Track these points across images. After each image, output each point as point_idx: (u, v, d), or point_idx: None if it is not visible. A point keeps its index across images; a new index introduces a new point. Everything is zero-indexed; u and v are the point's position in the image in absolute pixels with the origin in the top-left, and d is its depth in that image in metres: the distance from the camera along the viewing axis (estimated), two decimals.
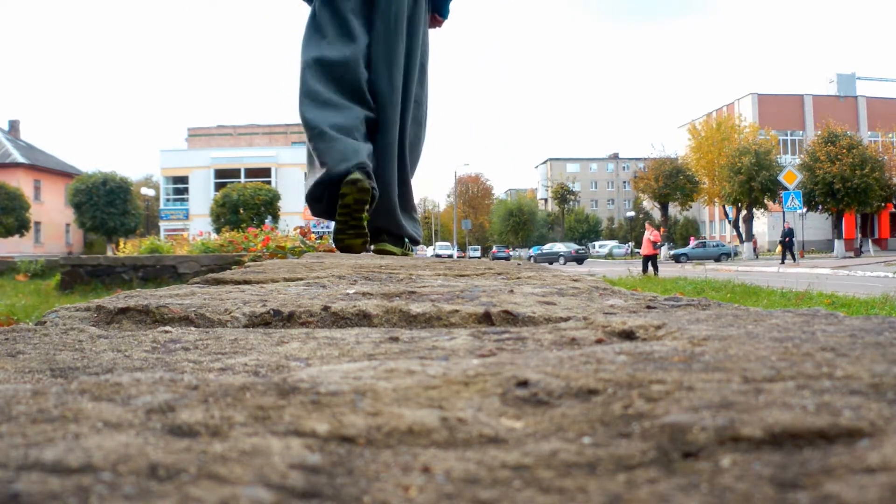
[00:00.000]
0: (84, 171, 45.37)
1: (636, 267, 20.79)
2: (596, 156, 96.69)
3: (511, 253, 57.97)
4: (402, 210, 3.69)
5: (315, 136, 3.25)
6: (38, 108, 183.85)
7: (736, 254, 42.48)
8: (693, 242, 47.24)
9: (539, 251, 50.73)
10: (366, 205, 3.20)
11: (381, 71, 3.42)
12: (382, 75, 3.42)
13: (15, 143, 49.55)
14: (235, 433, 0.47)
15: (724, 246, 44.30)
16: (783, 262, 27.13)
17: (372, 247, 3.81)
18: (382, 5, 3.38)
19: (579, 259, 44.53)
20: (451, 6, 3.80)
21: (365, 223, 3.27)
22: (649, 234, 20.98)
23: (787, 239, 29.14)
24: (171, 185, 46.48)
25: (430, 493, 0.38)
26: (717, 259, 40.32)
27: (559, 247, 50.58)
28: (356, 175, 3.12)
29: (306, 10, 3.62)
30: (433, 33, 3.88)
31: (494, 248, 60.21)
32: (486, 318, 1.17)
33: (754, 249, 41.79)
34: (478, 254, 63.46)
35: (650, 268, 19.81)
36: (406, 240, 3.78)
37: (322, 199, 3.36)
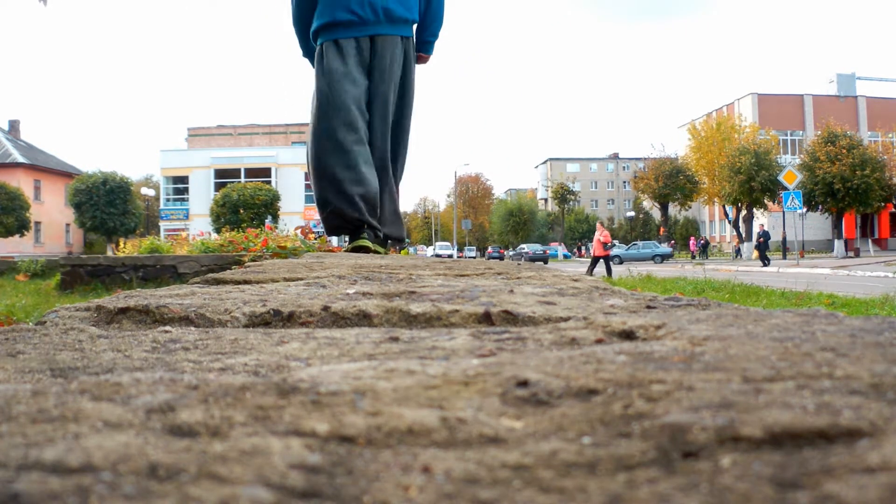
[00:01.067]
0: (84, 171, 45.35)
1: (636, 267, 20.60)
2: (596, 156, 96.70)
3: (506, 253, 59.42)
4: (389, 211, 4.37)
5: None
6: (38, 108, 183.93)
7: (672, 255, 43.33)
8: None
9: (513, 252, 55.65)
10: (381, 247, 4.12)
11: (375, 109, 4.13)
12: (376, 113, 4.13)
13: (15, 143, 49.52)
14: (235, 433, 0.47)
15: (657, 247, 45.63)
16: (766, 265, 25.80)
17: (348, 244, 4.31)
18: (377, 61, 4.07)
19: (541, 259, 46.61)
20: (436, 45, 4.43)
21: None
22: (599, 235, 20.17)
23: (761, 240, 28.37)
24: (171, 185, 46.45)
25: (430, 493, 0.38)
26: (651, 259, 41.38)
27: (525, 248, 55.21)
28: (364, 242, 4.01)
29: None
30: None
31: (490, 249, 61.97)
32: (486, 318, 1.17)
33: (738, 250, 42.23)
34: (472, 254, 64.18)
35: (604, 269, 18.87)
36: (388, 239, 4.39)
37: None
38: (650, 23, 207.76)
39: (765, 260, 27.59)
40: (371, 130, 4.07)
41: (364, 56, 4.01)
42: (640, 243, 46.20)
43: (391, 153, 4.18)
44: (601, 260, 19.99)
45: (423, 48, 4.33)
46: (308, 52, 4.37)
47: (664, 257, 42.57)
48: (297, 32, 4.35)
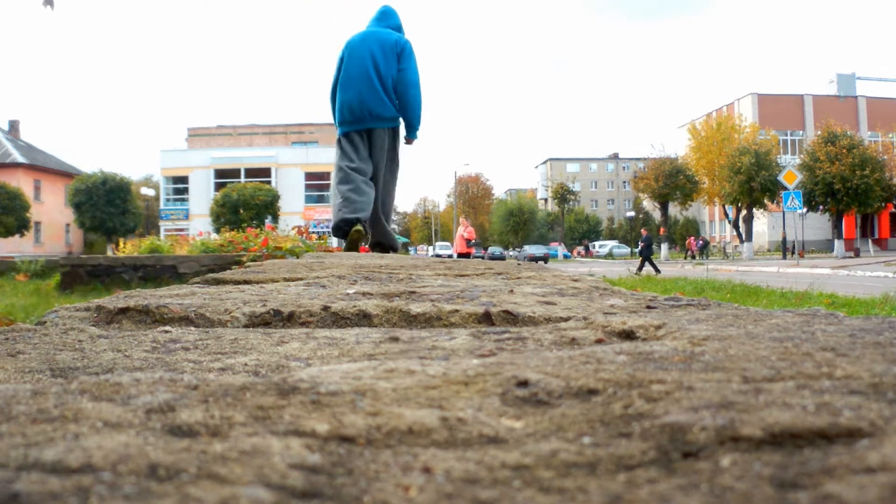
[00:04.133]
0: (84, 171, 45.35)
1: (635, 267, 20.26)
2: (596, 156, 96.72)
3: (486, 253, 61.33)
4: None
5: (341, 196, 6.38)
6: (38, 108, 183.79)
7: (547, 259, 46.89)
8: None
9: (492, 252, 60.38)
10: (361, 240, 6.15)
11: (378, 171, 6.36)
12: (378, 172, 6.36)
13: (15, 143, 49.50)
14: (235, 433, 0.47)
15: (528, 250, 52.12)
16: (652, 272, 18.72)
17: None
18: (374, 143, 6.33)
19: (499, 258, 49.82)
20: (419, 133, 6.53)
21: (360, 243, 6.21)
22: (463, 231, 17.98)
23: (642, 245, 23.19)
24: (171, 185, 46.42)
25: (430, 493, 0.38)
26: (519, 263, 44.29)
27: (491, 249, 60.98)
28: (358, 227, 6.03)
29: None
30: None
31: (472, 249, 63.97)
32: (486, 318, 1.17)
33: (704, 248, 42.82)
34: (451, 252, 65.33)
35: None
36: (390, 248, 6.54)
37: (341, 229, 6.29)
38: (650, 22, 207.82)
39: (649, 266, 20.90)
40: (374, 186, 6.25)
41: (365, 141, 6.25)
42: (525, 247, 48.86)
43: (382, 201, 6.41)
44: (461, 258, 17.69)
45: (409, 134, 6.42)
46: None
47: (537, 259, 44.86)
48: (332, 106, 6.44)
